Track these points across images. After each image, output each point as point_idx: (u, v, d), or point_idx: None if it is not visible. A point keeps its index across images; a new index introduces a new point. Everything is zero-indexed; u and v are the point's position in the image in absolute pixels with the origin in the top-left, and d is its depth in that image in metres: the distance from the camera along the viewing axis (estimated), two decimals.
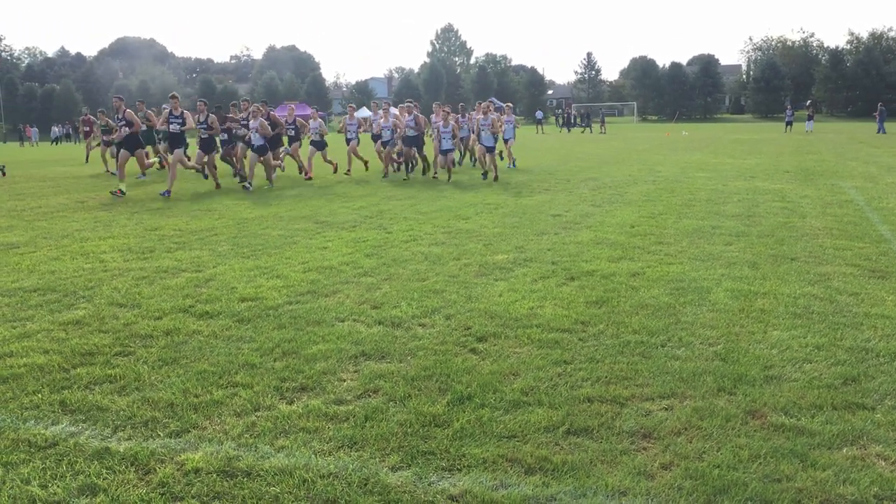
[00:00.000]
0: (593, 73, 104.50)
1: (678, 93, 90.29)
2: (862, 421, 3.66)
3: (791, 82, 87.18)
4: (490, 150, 16.43)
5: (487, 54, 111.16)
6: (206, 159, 15.66)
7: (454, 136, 17.27)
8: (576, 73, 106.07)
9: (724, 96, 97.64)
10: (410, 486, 3.13)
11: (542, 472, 3.23)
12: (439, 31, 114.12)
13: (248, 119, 16.23)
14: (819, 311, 5.53)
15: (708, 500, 2.99)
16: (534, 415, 3.78)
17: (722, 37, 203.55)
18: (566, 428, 3.63)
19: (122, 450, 3.47)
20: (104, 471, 3.29)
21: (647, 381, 4.21)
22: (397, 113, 19.22)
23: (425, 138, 18.77)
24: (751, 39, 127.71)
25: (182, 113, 15.14)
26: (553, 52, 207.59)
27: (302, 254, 8.10)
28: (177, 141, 15.07)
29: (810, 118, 44.79)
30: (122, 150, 14.94)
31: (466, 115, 21.07)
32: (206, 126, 15.20)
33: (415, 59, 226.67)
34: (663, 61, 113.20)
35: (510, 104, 22.97)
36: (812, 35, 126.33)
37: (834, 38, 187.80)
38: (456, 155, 18.91)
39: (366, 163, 19.24)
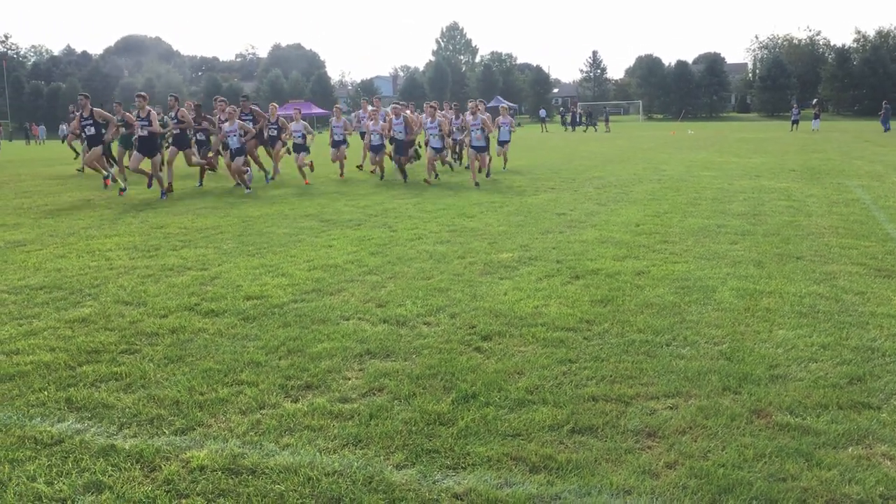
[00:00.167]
0: (599, 71, 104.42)
1: (684, 91, 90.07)
2: (867, 420, 3.65)
3: (797, 81, 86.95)
4: (480, 150, 15.55)
5: (493, 53, 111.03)
6: (160, 159, 14.47)
7: (446, 135, 16.22)
8: (581, 71, 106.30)
9: (730, 95, 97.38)
10: (415, 484, 3.13)
11: (546, 470, 3.23)
12: (444, 30, 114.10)
13: (224, 121, 15.22)
14: (825, 310, 5.52)
15: (713, 499, 2.99)
16: (538, 413, 3.78)
17: (728, 35, 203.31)
18: (571, 426, 3.63)
19: (127, 447, 3.48)
20: (110, 468, 3.30)
21: (651, 380, 4.21)
22: (387, 111, 17.98)
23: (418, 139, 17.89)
24: (757, 38, 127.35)
25: (149, 113, 13.82)
26: (558, 50, 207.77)
27: (307, 252, 8.11)
28: (150, 145, 13.95)
29: (816, 117, 44.68)
30: (92, 147, 14.45)
31: (460, 116, 19.12)
32: (177, 121, 14.75)
33: (420, 57, 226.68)
34: (669, 60, 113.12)
35: (505, 105, 22.05)
36: (818, 33, 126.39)
37: (840, 36, 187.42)
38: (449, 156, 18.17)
39: (359, 166, 18.72)
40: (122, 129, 15.81)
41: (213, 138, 16.26)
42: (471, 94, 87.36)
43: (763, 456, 3.31)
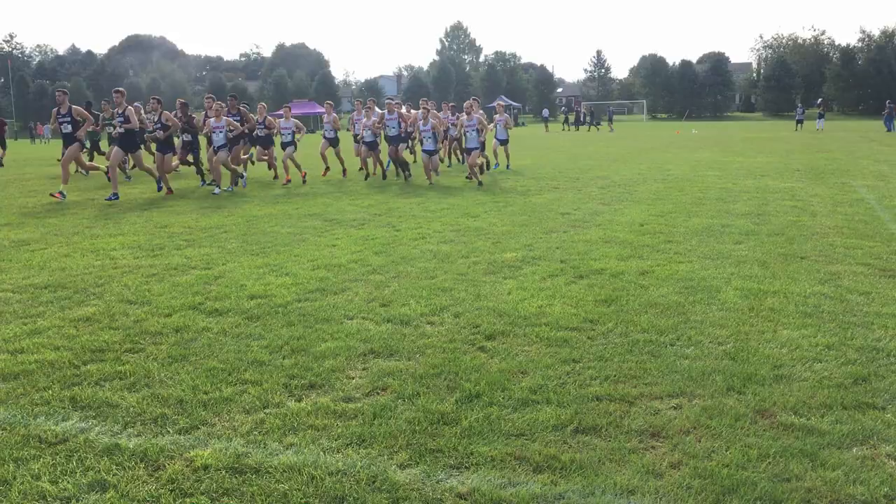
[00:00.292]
0: (603, 71, 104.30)
1: (688, 91, 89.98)
2: (872, 421, 3.65)
3: (802, 80, 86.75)
4: (471, 150, 15.17)
5: (497, 52, 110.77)
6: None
7: (442, 138, 15.63)
8: (585, 71, 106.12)
9: (735, 94, 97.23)
10: (419, 483, 3.13)
11: (550, 470, 3.22)
12: (448, 29, 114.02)
13: (209, 117, 14.88)
14: (829, 310, 5.51)
15: (717, 499, 2.98)
16: (542, 413, 3.77)
17: (732, 35, 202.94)
18: (575, 426, 3.63)
19: (131, 446, 3.49)
20: (114, 467, 3.30)
21: (655, 380, 4.20)
22: (381, 113, 17.21)
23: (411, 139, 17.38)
24: (761, 37, 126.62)
25: (125, 110, 13.43)
26: (563, 50, 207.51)
27: (311, 251, 8.12)
28: (130, 141, 13.73)
29: (821, 116, 44.58)
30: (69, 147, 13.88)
31: (457, 115, 18.96)
32: (160, 124, 14.42)
33: (424, 56, 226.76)
34: (673, 59, 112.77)
35: (501, 103, 21.42)
36: (823, 33, 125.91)
37: (845, 35, 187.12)
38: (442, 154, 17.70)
39: (343, 171, 17.96)
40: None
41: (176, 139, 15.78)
42: (475, 93, 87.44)
43: (767, 456, 3.30)
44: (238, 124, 15.07)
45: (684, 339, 4.89)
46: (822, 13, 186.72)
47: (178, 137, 16.12)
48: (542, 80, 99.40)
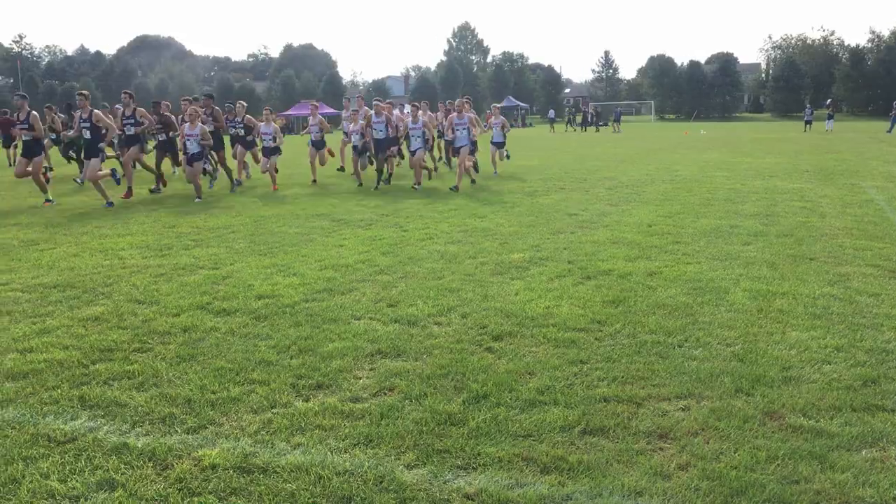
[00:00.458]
0: (611, 71, 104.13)
1: (696, 91, 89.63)
2: (881, 423, 3.63)
3: (811, 81, 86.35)
4: (457, 151, 14.75)
5: (504, 53, 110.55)
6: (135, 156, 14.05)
7: (432, 137, 15.26)
8: (593, 71, 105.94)
9: (743, 95, 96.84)
10: (426, 484, 3.13)
11: (557, 471, 3.22)
12: (456, 30, 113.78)
13: (184, 122, 14.17)
14: (838, 311, 5.48)
15: (725, 501, 2.97)
16: (550, 414, 3.77)
17: (741, 35, 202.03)
18: (582, 427, 3.62)
19: (140, 445, 3.50)
20: (122, 466, 3.32)
21: (663, 382, 4.19)
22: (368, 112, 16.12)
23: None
24: (770, 38, 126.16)
25: (91, 113, 12.85)
26: (570, 50, 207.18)
27: (318, 251, 8.13)
28: (93, 147, 13.02)
29: (830, 117, 44.34)
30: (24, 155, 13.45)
31: (451, 114, 17.28)
32: (134, 120, 14.12)
33: (432, 57, 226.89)
34: (681, 60, 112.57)
35: (496, 104, 20.57)
36: (832, 33, 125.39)
37: (855, 36, 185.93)
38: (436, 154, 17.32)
39: (340, 167, 17.77)
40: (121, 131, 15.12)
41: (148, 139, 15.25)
42: (482, 94, 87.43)
43: (776, 458, 3.29)
44: (210, 136, 14.09)
45: (692, 341, 4.88)
46: (831, 13, 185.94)
47: (153, 138, 15.54)
48: (550, 80, 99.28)
